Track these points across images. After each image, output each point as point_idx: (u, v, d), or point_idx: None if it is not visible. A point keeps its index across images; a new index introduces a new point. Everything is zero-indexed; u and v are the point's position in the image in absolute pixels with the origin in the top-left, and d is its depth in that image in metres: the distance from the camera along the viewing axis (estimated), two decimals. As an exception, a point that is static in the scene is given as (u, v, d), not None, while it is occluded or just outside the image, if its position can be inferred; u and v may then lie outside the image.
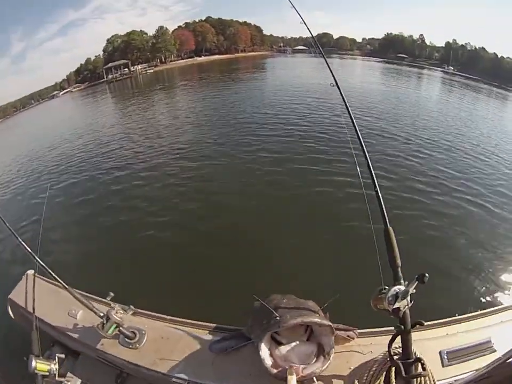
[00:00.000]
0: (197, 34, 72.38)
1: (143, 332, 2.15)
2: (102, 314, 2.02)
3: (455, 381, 1.77)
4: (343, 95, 2.31)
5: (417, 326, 1.56)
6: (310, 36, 3.45)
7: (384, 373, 1.70)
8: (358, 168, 2.02)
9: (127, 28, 74.34)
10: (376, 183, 1.79)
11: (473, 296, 4.93)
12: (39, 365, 1.95)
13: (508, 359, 1.59)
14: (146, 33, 66.91)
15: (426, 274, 1.37)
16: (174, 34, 69.73)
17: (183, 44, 70.27)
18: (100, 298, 2.31)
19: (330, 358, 1.73)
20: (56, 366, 2.03)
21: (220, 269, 5.36)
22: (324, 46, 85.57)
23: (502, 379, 1.86)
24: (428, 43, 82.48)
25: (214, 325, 2.22)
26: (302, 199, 7.75)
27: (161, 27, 67.92)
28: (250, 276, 5.05)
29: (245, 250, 5.94)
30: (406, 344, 1.56)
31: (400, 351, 1.66)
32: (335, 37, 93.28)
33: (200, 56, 71.40)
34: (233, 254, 5.84)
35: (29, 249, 2.23)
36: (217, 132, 13.84)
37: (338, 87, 2.40)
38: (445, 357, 1.87)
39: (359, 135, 2.04)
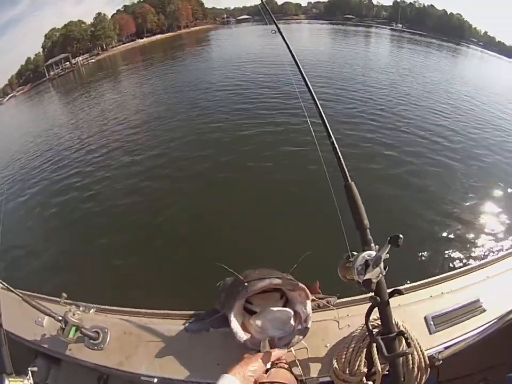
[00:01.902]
0: (136, 16, 70.86)
1: (106, 330, 1.96)
2: (60, 318, 1.84)
3: (444, 348, 1.57)
4: (286, 41, 2.07)
5: (396, 295, 1.33)
6: (256, 4, 3.19)
7: (365, 349, 1.48)
8: (308, 120, 1.77)
9: (65, 20, 69.75)
10: (331, 133, 1.52)
11: (454, 253, 4.90)
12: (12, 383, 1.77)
13: (507, 322, 1.44)
14: (84, 23, 65.31)
15: (401, 236, 1.10)
16: (113, 20, 68.11)
17: (123, 28, 68.66)
18: (57, 299, 2.09)
19: (309, 325, 1.54)
20: (31, 381, 1.83)
21: (176, 256, 5.39)
22: (268, 13, 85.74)
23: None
24: (375, 2, 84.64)
25: (179, 312, 2.02)
26: (252, 166, 7.80)
27: (99, 14, 66.69)
28: (208, 260, 4.90)
29: (199, 229, 5.92)
30: (385, 317, 1.32)
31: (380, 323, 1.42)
32: (279, 3, 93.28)
33: (142, 38, 70.02)
34: (186, 236, 5.85)
35: None
36: (160, 113, 13.88)
37: (281, 33, 2.16)
38: (431, 322, 1.66)
39: (307, 80, 1.78)
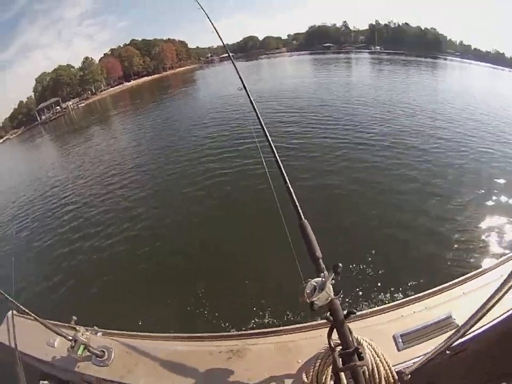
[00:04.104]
0: (123, 59, 72.22)
1: (111, 349, 2.26)
2: (70, 338, 2.17)
3: (413, 363, 1.72)
4: (250, 96, 2.38)
5: (352, 315, 1.52)
6: (223, 43, 3.51)
7: (331, 365, 1.66)
8: (265, 166, 2.08)
9: (55, 64, 72.30)
10: (286, 176, 1.79)
11: (429, 272, 4.97)
12: None
13: (466, 332, 1.49)
14: (73, 67, 66.44)
15: (340, 265, 1.34)
16: (100, 63, 69.29)
17: (111, 72, 69.80)
18: (67, 324, 2.39)
19: None
20: None
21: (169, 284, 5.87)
22: (251, 48, 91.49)
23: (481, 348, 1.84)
24: (351, 28, 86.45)
25: (173, 334, 2.34)
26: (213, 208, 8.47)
27: (86, 58, 67.70)
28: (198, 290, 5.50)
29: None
30: (342, 335, 1.52)
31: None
32: (261, 38, 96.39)
33: (129, 81, 71.43)
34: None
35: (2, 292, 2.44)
36: (154, 157, 14.60)
37: (246, 89, 2.49)
38: (399, 340, 1.83)
39: (265, 129, 2.10)
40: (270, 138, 2.03)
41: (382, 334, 1.87)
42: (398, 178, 8.34)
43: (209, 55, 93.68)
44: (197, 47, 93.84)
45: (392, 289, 4.63)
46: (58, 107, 57.71)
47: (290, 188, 1.74)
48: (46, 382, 2.29)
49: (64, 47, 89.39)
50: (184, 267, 6.29)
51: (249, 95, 2.41)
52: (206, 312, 4.95)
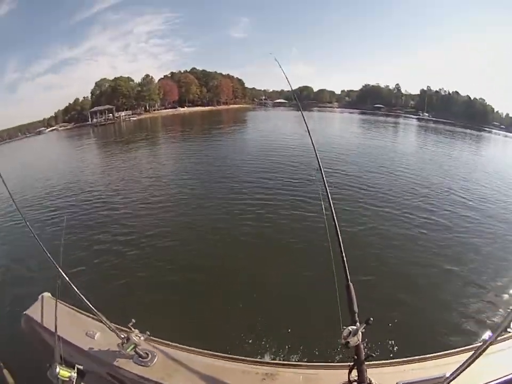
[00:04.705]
0: (181, 84, 74.31)
1: (155, 354, 2.59)
2: (123, 336, 2.46)
3: None
4: (319, 160, 2.75)
5: (370, 358, 2.00)
6: (291, 90, 4.03)
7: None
8: (327, 231, 2.42)
9: (117, 72, 77.75)
10: (342, 244, 2.23)
11: (433, 338, 5.23)
12: (62, 371, 2.26)
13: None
14: (132, 80, 69.15)
15: (371, 318, 1.86)
16: (159, 83, 71.58)
17: (167, 94, 71.84)
18: (118, 326, 2.68)
19: None
20: (75, 375, 2.35)
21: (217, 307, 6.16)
22: (305, 98, 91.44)
23: None
24: (403, 91, 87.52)
25: (213, 352, 2.66)
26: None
27: (147, 75, 70.28)
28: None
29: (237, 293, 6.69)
30: (361, 372, 1.99)
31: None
32: (315, 89, 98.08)
33: (183, 107, 73.23)
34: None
35: (64, 275, 2.65)
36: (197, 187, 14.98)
37: (311, 137, 3.04)
38: None
39: (329, 194, 2.51)
40: (332, 204, 2.45)
41: (388, 380, 2.25)
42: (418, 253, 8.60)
43: (264, 97, 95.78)
44: (253, 88, 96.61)
45: (407, 347, 4.94)
46: (110, 114, 60.05)
47: (344, 256, 2.19)
48: (81, 367, 2.45)
49: (127, 60, 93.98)
50: (230, 294, 6.66)
51: (318, 159, 2.75)
52: (243, 336, 5.30)
